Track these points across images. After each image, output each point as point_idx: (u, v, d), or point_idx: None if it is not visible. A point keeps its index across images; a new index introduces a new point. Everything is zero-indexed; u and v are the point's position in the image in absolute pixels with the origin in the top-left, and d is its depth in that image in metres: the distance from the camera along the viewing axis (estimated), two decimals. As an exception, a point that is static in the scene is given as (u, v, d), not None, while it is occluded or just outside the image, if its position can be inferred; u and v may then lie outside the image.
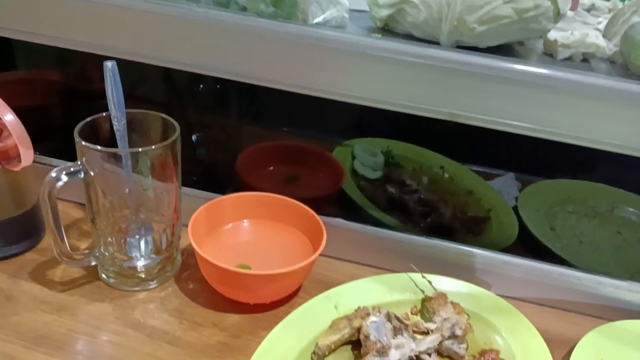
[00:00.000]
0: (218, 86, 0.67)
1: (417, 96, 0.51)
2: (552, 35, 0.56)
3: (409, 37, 0.55)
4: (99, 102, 0.61)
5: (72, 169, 0.48)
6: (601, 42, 0.54)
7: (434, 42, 0.52)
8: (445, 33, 0.50)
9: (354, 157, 0.74)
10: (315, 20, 0.52)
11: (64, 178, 0.47)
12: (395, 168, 0.74)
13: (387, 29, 0.57)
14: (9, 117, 0.49)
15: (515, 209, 0.70)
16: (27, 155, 0.50)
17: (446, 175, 0.74)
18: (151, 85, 0.67)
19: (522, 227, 0.68)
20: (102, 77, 0.62)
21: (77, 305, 0.52)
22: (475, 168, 0.73)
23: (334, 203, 0.68)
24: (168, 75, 0.66)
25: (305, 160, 0.71)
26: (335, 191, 0.70)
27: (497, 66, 0.49)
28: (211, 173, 0.70)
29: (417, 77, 0.49)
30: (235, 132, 0.72)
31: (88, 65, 0.67)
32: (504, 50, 0.55)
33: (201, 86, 0.68)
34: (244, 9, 0.53)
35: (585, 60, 0.57)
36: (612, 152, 0.52)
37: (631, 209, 0.69)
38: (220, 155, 0.71)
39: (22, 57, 0.68)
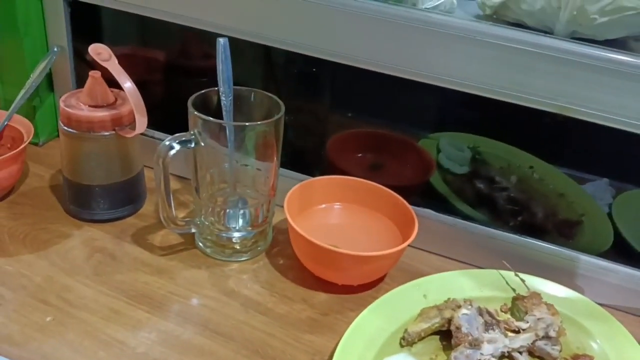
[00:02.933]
0: (313, 70, 0.68)
1: (529, 86, 0.49)
2: (674, 31, 0.53)
3: (519, 26, 0.53)
4: (197, 79, 0.63)
5: (184, 139, 0.50)
6: None
7: (546, 32, 0.51)
8: (563, 22, 0.48)
9: (439, 151, 0.73)
10: (425, 5, 0.52)
11: (176, 146, 0.49)
12: (483, 165, 0.72)
13: (495, 17, 0.56)
14: (128, 85, 0.51)
15: (609, 215, 0.67)
16: (142, 122, 0.52)
17: (536, 176, 0.71)
18: (247, 65, 0.69)
19: (616, 235, 0.65)
20: (202, 56, 0.65)
21: (175, 269, 0.54)
22: (566, 171, 0.70)
23: (418, 194, 0.68)
24: (265, 56, 0.68)
25: (393, 150, 0.71)
26: (421, 182, 0.69)
27: (618, 60, 0.46)
28: (300, 155, 0.71)
29: (530, 66, 0.48)
30: (324, 116, 0.72)
31: (188, 43, 0.69)
32: (619, 44, 0.52)
33: (296, 69, 0.69)
34: (354, -8, 0.53)
35: None
36: None
37: None
38: (310, 138, 0.72)
39: (126, 33, 0.71)
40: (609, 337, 0.50)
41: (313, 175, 0.62)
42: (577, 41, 0.48)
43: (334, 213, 0.61)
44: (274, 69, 0.69)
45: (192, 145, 0.50)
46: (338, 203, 0.61)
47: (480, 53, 0.50)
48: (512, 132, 0.62)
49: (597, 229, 0.66)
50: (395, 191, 0.59)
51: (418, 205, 0.61)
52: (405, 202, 0.58)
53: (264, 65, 0.69)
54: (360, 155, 0.71)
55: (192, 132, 0.50)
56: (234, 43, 0.56)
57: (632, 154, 0.56)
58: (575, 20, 0.48)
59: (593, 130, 0.51)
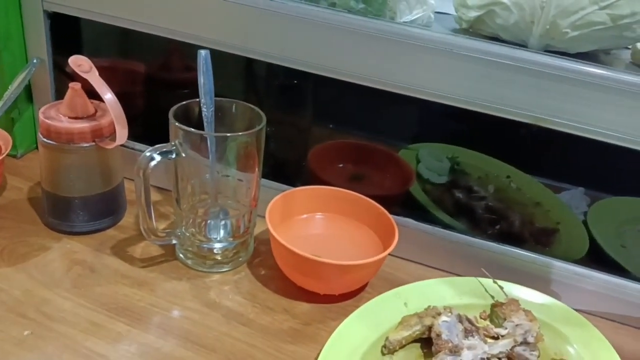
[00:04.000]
0: (295, 82, 0.68)
1: (504, 98, 0.51)
2: (642, 45, 0.55)
3: (494, 40, 0.55)
4: (178, 91, 0.64)
5: (164, 149, 0.50)
6: (696, 53, 0.53)
7: (521, 45, 0.52)
8: (536, 36, 0.49)
9: (418, 161, 0.74)
10: (403, 19, 0.53)
11: (157, 157, 0.49)
12: (461, 175, 0.73)
13: (471, 32, 0.57)
14: (109, 96, 0.51)
15: (584, 223, 0.69)
16: (122, 133, 0.52)
17: (513, 185, 0.73)
18: (229, 77, 0.69)
19: (592, 242, 0.66)
20: (184, 68, 0.65)
21: (155, 281, 0.54)
22: (542, 180, 0.71)
23: (398, 204, 0.68)
24: (247, 68, 0.68)
25: (374, 160, 0.72)
26: (401, 192, 0.70)
27: (590, 72, 0.48)
28: (282, 165, 0.72)
29: (505, 79, 0.49)
30: (306, 127, 0.73)
31: (170, 55, 0.69)
32: (591, 58, 0.54)
33: (278, 81, 0.69)
34: (333, 5, 0.54)
35: (675, 73, 0.55)
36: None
37: None
38: (291, 149, 0.72)
39: (107, 45, 0.71)
40: (585, 343, 0.51)
41: (294, 186, 0.62)
42: (550, 54, 0.50)
43: (316, 223, 0.61)
44: (255, 81, 0.70)
45: (173, 156, 0.50)
46: (319, 213, 0.61)
47: (457, 66, 0.51)
48: (490, 143, 0.63)
49: (573, 237, 0.68)
50: (375, 201, 0.60)
51: (398, 215, 0.61)
52: (385, 211, 0.58)
53: (245, 77, 0.70)
54: (341, 165, 0.71)
55: (173, 143, 0.50)
56: (216, 55, 0.57)
57: (606, 163, 0.58)
58: (548, 34, 0.50)
59: (568, 141, 0.53)
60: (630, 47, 0.57)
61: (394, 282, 0.56)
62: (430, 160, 0.73)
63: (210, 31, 0.58)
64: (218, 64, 0.65)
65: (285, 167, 0.72)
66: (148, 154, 0.49)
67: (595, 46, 0.52)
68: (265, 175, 0.63)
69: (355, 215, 0.61)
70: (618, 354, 0.50)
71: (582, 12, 0.47)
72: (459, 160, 0.73)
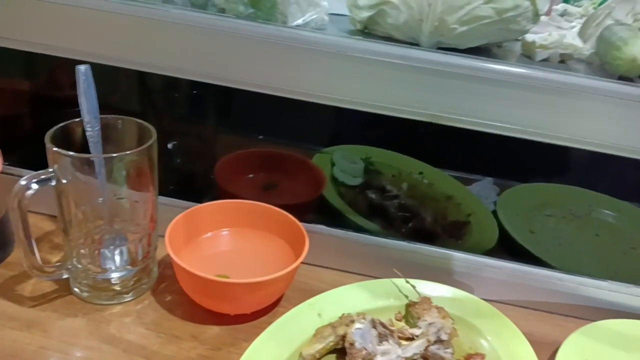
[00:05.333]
0: (194, 92, 0.65)
1: (399, 98, 0.50)
2: (530, 37, 0.56)
3: (389, 40, 0.54)
4: (68, 109, 0.59)
5: (42, 177, 0.45)
6: (578, 42, 0.55)
7: (414, 44, 0.52)
8: (426, 34, 0.49)
9: (333, 164, 0.73)
10: (295, 22, 0.52)
11: (34, 186, 0.45)
12: (375, 174, 0.73)
13: (366, 32, 0.57)
14: (-27, 124, 0.46)
15: (494, 213, 0.70)
16: (-6, 163, 0.47)
17: (425, 181, 0.74)
18: (124, 92, 0.65)
19: (502, 231, 0.68)
20: (72, 84, 0.60)
21: (48, 321, 0.49)
22: (453, 173, 0.73)
23: (314, 210, 0.67)
24: (142, 81, 0.64)
25: (285, 168, 0.70)
26: (315, 198, 0.69)
27: (480, 67, 0.49)
28: (188, 181, 0.68)
29: (398, 79, 0.49)
30: (211, 139, 0.70)
31: (56, 71, 0.64)
32: (483, 52, 0.55)
33: (176, 93, 0.66)
34: (222, 11, 0.52)
35: (562, 61, 0.57)
36: (587, 155, 0.52)
37: (607, 212, 0.70)
38: (197, 163, 0.69)
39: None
40: (497, 334, 0.52)
41: (202, 202, 0.59)
42: (442, 51, 0.50)
43: (223, 240, 0.58)
44: (152, 94, 0.66)
45: (53, 183, 0.46)
46: (227, 229, 0.59)
47: (352, 68, 0.50)
48: (402, 140, 0.63)
49: (484, 227, 0.69)
50: (291, 209, 0.58)
51: (314, 222, 0.60)
52: (294, 219, 0.57)
53: (140, 90, 0.66)
54: (251, 176, 0.69)
55: (51, 169, 0.46)
56: (106, 69, 0.53)
57: (511, 152, 0.59)
58: (437, 31, 0.50)
59: (475, 133, 0.53)
60: (520, 39, 0.59)
61: (309, 292, 0.55)
62: (345, 162, 0.72)
63: (91, 44, 0.54)
64: (112, 79, 0.61)
65: (192, 183, 0.69)
66: (23, 182, 0.45)
67: (484, 40, 0.52)
68: (170, 193, 0.59)
69: (265, 226, 0.58)
70: (529, 338, 0.51)
71: (468, 7, 0.48)
72: (373, 160, 0.73)
